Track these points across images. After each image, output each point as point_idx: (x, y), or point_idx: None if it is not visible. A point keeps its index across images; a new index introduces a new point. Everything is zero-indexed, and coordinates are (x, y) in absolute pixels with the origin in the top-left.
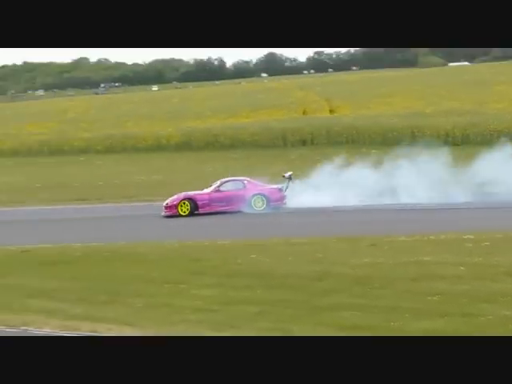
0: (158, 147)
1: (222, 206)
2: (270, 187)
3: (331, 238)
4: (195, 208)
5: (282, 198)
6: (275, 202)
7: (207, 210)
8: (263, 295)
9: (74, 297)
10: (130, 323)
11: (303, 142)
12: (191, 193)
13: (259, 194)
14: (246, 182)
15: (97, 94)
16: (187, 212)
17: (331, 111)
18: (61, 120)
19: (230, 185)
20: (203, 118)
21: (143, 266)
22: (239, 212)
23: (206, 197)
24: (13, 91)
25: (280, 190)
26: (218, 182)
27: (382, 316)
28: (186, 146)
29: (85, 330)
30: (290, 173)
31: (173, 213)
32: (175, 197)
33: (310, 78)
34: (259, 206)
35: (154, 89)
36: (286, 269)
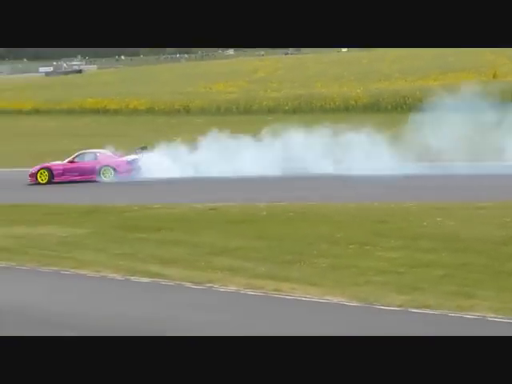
0: (346, 108)
1: (75, 176)
2: (119, 160)
3: None
4: (52, 177)
5: (130, 170)
6: (122, 173)
7: (62, 179)
8: (448, 258)
9: (258, 256)
10: (314, 283)
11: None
12: (49, 163)
13: (107, 165)
14: (98, 154)
15: (286, 54)
16: (45, 180)
17: None
18: (250, 79)
19: (83, 156)
20: (392, 79)
21: (328, 227)
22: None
23: (61, 167)
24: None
25: (129, 162)
26: (75, 154)
27: None
28: (374, 107)
29: (269, 288)
30: (143, 146)
31: (33, 181)
32: (37, 166)
33: None
34: (107, 176)
35: (343, 50)
36: (471, 232)
